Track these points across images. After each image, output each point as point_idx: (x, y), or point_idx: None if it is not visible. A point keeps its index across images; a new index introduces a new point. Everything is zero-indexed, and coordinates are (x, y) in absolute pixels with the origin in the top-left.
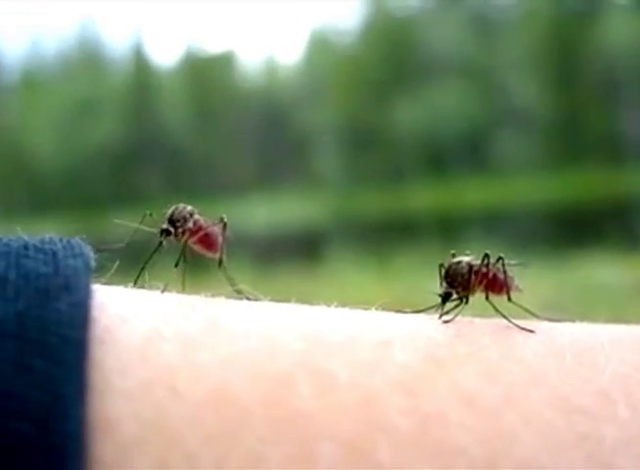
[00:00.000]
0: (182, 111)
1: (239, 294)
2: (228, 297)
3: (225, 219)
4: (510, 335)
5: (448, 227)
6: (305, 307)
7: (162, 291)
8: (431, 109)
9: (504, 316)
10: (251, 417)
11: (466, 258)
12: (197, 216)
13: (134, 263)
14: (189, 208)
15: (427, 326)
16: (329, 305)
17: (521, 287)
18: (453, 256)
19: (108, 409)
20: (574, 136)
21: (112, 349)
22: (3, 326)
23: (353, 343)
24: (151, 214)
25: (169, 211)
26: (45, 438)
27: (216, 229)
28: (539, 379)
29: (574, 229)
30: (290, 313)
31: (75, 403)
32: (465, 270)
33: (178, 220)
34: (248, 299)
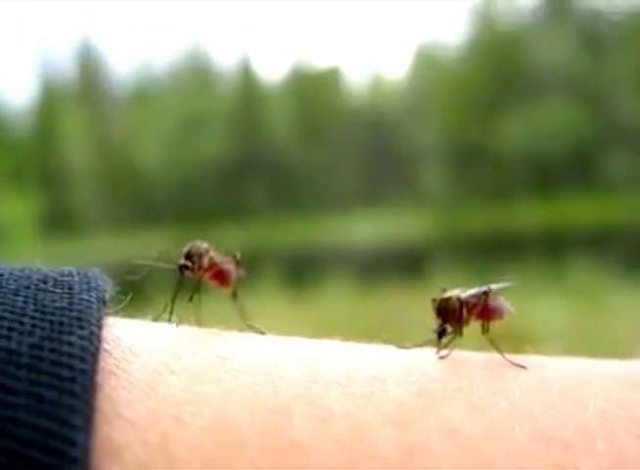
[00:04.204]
0: (288, 126)
1: (250, 328)
2: (240, 330)
3: (238, 256)
4: (501, 371)
5: (555, 245)
6: (308, 342)
7: (177, 325)
8: (537, 125)
9: (499, 351)
10: (248, 445)
11: (456, 292)
12: (212, 253)
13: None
14: (205, 245)
15: (423, 361)
16: (333, 339)
17: (513, 311)
18: (443, 291)
19: (115, 436)
20: None
21: (121, 381)
22: (18, 358)
23: (350, 378)
24: (167, 252)
25: (186, 248)
26: (53, 463)
27: (230, 266)
28: (523, 413)
29: None
30: (292, 349)
31: (82, 431)
32: (456, 305)
33: (194, 256)
34: (255, 332)
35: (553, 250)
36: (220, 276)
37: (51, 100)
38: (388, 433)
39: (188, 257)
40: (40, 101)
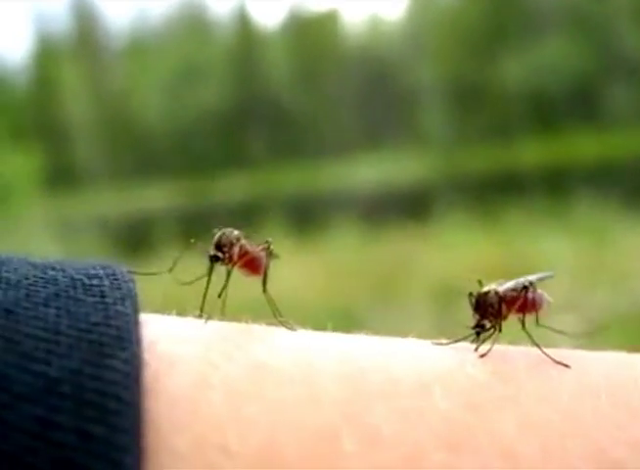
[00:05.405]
0: (286, 71)
1: (281, 324)
2: (268, 323)
3: (270, 243)
4: (545, 371)
5: (558, 182)
6: (343, 340)
7: (206, 320)
8: (538, 61)
9: (539, 348)
10: None
11: (493, 286)
12: (243, 241)
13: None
14: (236, 232)
15: (464, 361)
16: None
17: (551, 300)
18: (480, 283)
19: None
20: None
21: (162, 401)
22: (60, 387)
23: (394, 388)
24: (195, 242)
25: (216, 237)
26: None
27: (262, 254)
28: (575, 427)
29: None
30: (329, 349)
31: None
32: (494, 300)
33: (225, 245)
34: (286, 327)
35: (556, 187)
36: (251, 265)
37: (47, 54)
38: (441, 458)
39: (218, 247)
40: (37, 56)
